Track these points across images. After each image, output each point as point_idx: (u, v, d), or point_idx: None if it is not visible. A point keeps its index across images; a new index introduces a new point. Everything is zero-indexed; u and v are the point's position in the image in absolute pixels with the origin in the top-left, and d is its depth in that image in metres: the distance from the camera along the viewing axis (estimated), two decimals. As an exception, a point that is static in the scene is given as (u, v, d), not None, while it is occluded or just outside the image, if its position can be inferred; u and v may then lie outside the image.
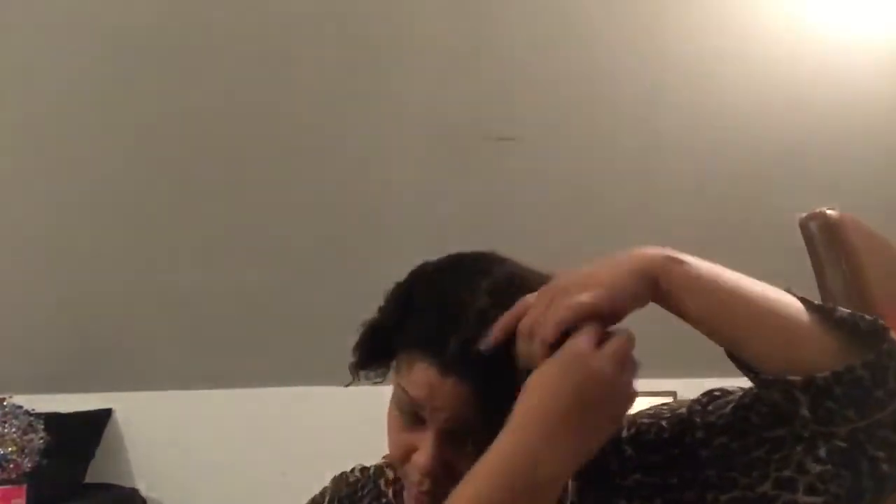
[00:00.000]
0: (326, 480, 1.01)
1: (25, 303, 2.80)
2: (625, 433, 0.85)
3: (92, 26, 2.49)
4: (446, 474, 0.81)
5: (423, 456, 0.82)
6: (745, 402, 0.79)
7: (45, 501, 2.38)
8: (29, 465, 2.27)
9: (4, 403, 2.29)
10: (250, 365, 2.77)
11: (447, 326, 0.81)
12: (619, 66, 2.45)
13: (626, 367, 0.74)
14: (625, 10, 2.40)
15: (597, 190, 2.54)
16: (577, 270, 0.77)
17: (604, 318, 0.74)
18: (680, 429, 0.83)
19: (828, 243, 1.08)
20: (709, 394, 0.85)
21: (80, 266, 2.75)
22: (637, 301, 0.75)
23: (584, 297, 0.73)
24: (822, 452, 0.73)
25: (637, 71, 2.45)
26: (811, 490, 0.72)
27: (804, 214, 1.11)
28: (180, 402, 2.83)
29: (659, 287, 0.75)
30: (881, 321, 0.74)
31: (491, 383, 0.78)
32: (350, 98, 2.53)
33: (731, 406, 0.81)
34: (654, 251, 0.76)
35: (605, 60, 2.44)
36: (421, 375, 0.81)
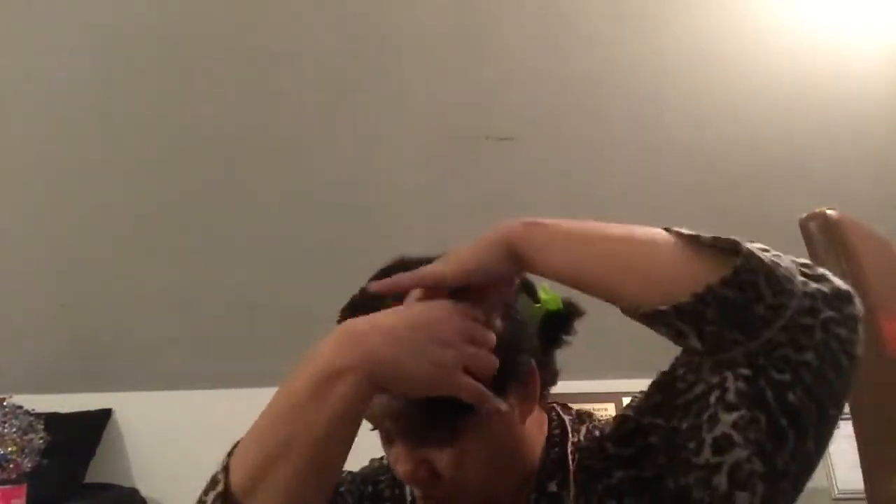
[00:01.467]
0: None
1: (25, 303, 2.80)
2: (608, 430, 0.85)
3: (92, 29, 2.49)
4: (432, 476, 0.82)
5: (400, 468, 0.84)
6: (668, 375, 0.77)
7: (45, 501, 2.37)
8: (29, 465, 2.26)
9: (4, 403, 2.29)
10: (250, 365, 2.77)
11: None
12: (619, 66, 2.45)
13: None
14: (625, 10, 2.40)
15: (597, 190, 2.54)
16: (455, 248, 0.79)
17: (450, 286, 0.77)
18: (633, 418, 0.81)
19: (828, 243, 1.08)
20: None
21: (79, 266, 2.75)
22: (495, 270, 0.77)
23: (429, 268, 0.78)
24: (731, 396, 0.69)
25: (637, 71, 2.45)
26: (729, 443, 0.69)
27: (804, 214, 1.11)
28: (180, 402, 2.83)
29: (519, 253, 0.76)
30: (738, 239, 0.71)
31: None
32: (350, 98, 2.53)
33: (654, 384, 0.79)
34: (514, 221, 0.77)
35: (605, 60, 2.44)
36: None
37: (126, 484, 2.82)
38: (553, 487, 0.85)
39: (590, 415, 0.94)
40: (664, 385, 0.77)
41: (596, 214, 2.53)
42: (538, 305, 0.89)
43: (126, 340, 2.83)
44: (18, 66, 2.55)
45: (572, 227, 0.76)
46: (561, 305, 0.90)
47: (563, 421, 0.92)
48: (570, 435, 0.89)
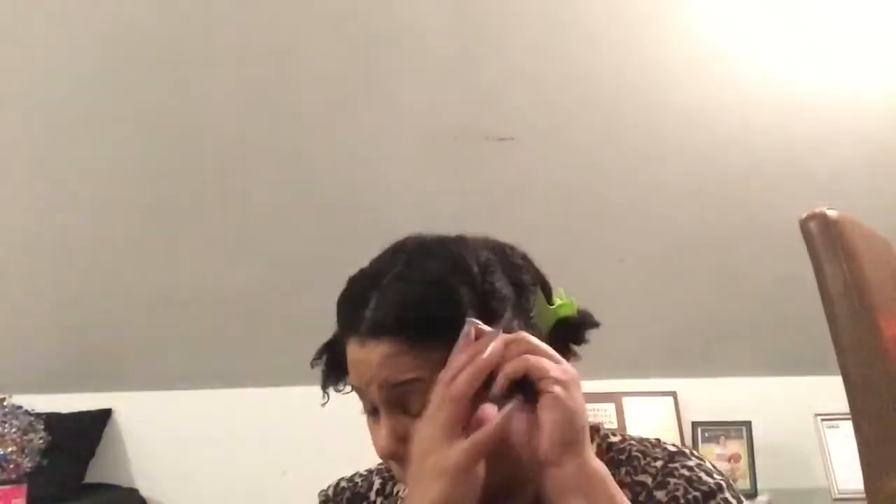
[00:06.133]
0: (326, 480, 1.01)
1: (25, 303, 2.80)
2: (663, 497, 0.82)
3: (91, 28, 2.49)
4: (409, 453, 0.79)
5: (379, 440, 0.81)
6: None
7: (45, 501, 2.38)
8: (29, 465, 2.27)
9: (4, 403, 2.29)
10: (250, 365, 2.77)
11: (361, 302, 0.83)
12: (617, 67, 2.45)
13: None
14: (624, 10, 2.40)
15: (596, 190, 2.54)
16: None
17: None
18: None
19: (828, 243, 1.08)
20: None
21: (80, 266, 2.75)
22: None
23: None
24: None
25: (636, 71, 2.45)
26: None
27: (804, 214, 1.11)
28: (180, 402, 2.83)
29: None
30: None
31: (411, 334, 0.78)
32: (349, 98, 2.53)
33: None
34: None
35: (603, 61, 2.44)
36: (351, 357, 0.82)
37: (126, 484, 2.83)
38: None
39: (597, 429, 0.90)
40: None
41: (595, 214, 2.52)
42: (552, 308, 0.87)
43: (126, 340, 2.83)
44: (18, 66, 2.55)
45: None
46: (575, 312, 0.87)
47: None
48: None
